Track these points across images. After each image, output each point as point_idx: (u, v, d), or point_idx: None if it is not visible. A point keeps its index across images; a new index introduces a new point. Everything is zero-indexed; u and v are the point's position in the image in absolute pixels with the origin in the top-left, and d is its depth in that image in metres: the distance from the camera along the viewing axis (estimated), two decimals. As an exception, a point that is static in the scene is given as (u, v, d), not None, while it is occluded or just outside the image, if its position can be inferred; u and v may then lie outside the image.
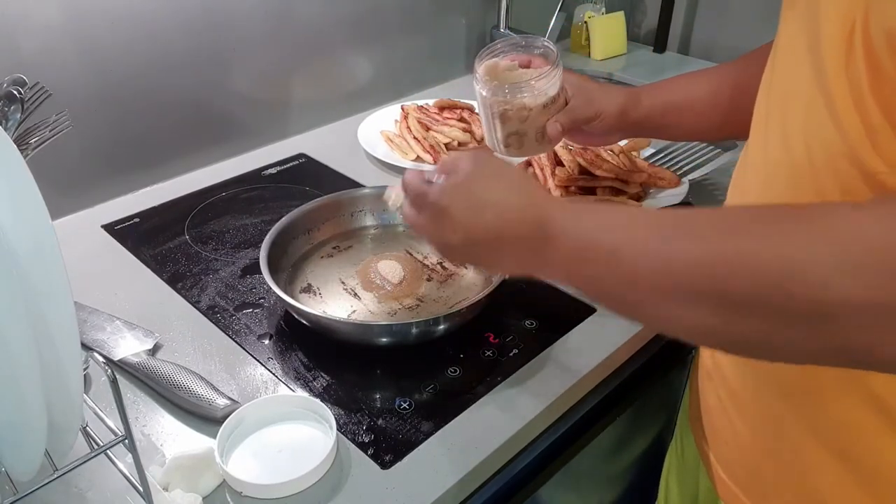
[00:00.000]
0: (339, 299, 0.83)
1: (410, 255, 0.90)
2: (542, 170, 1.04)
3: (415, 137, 1.15)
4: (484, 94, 0.85)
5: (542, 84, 0.82)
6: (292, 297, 0.77)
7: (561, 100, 0.85)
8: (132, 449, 0.54)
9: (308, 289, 0.85)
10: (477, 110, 1.24)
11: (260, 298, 0.86)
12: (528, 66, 0.87)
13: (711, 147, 1.11)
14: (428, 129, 1.17)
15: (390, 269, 0.86)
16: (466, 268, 0.83)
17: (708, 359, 0.66)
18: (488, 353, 0.77)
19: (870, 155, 0.43)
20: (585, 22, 1.55)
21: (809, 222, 0.41)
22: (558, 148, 1.04)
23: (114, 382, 0.50)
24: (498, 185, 0.57)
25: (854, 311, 0.38)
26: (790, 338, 0.41)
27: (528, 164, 1.07)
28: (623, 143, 1.09)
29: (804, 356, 0.42)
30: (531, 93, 0.82)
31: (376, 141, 1.18)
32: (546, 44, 0.87)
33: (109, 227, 0.99)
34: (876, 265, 0.37)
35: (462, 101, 1.26)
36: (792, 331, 0.40)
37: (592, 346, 0.78)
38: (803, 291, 0.39)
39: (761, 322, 0.41)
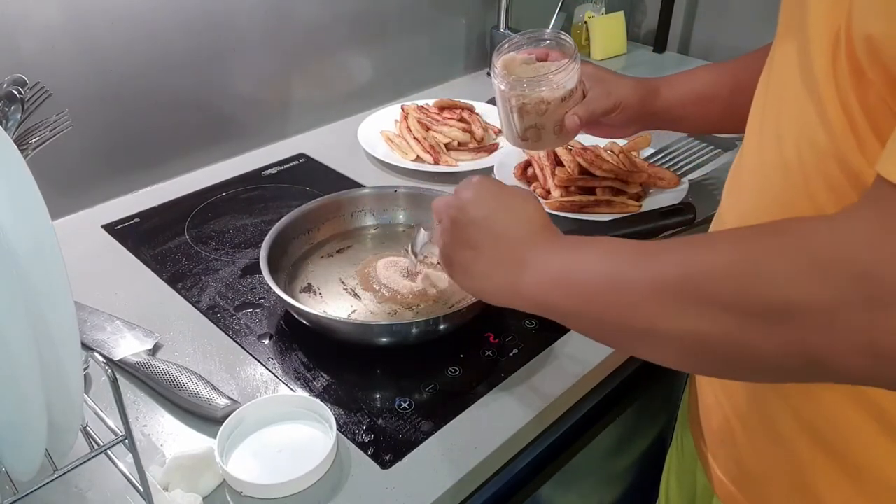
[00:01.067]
0: (339, 299, 0.83)
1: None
2: (542, 170, 1.04)
3: (415, 137, 1.15)
4: (502, 87, 0.85)
5: (561, 77, 0.83)
6: (292, 297, 0.77)
7: (579, 92, 0.85)
8: (132, 449, 0.54)
9: (308, 289, 0.85)
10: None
11: (260, 298, 0.86)
12: (545, 60, 0.87)
13: (711, 147, 1.11)
14: (428, 129, 1.17)
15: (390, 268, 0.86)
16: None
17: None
18: (488, 353, 0.77)
19: (856, 157, 0.44)
20: (585, 22, 1.55)
21: (772, 233, 0.43)
22: (558, 148, 1.04)
23: (114, 382, 0.50)
24: (520, 196, 0.62)
25: (806, 310, 0.39)
26: (755, 340, 0.42)
27: (528, 164, 1.07)
28: (623, 142, 1.09)
29: (773, 366, 0.43)
30: (549, 86, 0.83)
31: (376, 141, 1.18)
32: (563, 37, 0.87)
33: (109, 227, 0.99)
34: (825, 269, 0.39)
35: (462, 101, 1.26)
36: (755, 331, 0.42)
37: (593, 346, 0.78)
38: (760, 291, 0.41)
39: (726, 323, 0.43)
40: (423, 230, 0.78)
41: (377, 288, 0.84)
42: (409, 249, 0.82)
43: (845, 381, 0.41)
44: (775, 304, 0.41)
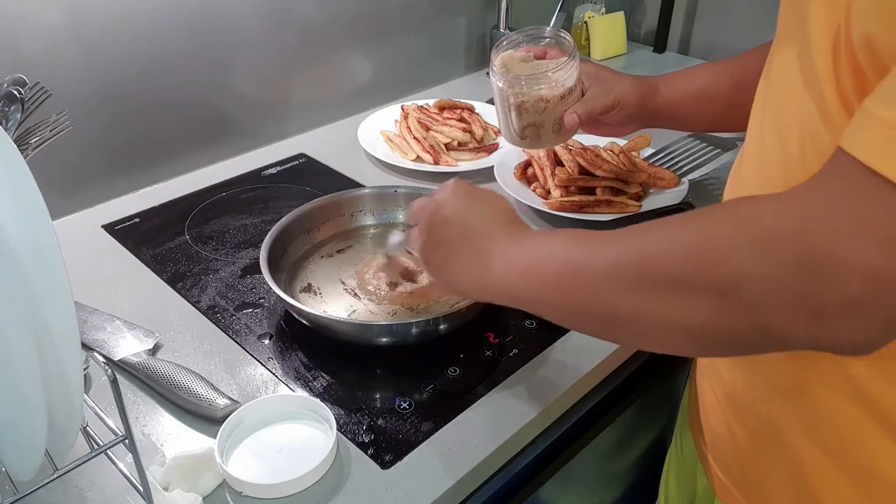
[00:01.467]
0: (339, 299, 0.83)
1: (410, 254, 0.90)
2: (542, 170, 1.04)
3: (415, 137, 1.15)
4: (500, 85, 0.85)
5: (560, 75, 0.82)
6: (292, 296, 0.77)
7: (578, 90, 0.85)
8: (132, 449, 0.54)
9: (308, 289, 0.85)
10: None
11: (260, 298, 0.86)
12: (543, 57, 0.87)
13: (711, 147, 1.11)
14: (428, 129, 1.17)
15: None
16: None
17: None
18: (488, 353, 0.77)
19: None
20: (585, 22, 1.55)
21: (721, 213, 0.45)
22: (558, 148, 1.04)
23: (114, 382, 0.50)
24: (488, 197, 0.64)
25: (753, 287, 0.41)
26: (711, 318, 0.44)
27: (528, 163, 1.07)
28: (623, 142, 1.09)
29: (731, 341, 0.45)
30: (548, 84, 0.82)
31: (376, 141, 1.18)
32: (562, 35, 0.87)
33: (109, 227, 0.99)
34: (770, 246, 0.41)
35: (462, 101, 1.26)
36: (709, 309, 0.43)
37: (592, 346, 0.78)
38: (710, 270, 0.43)
39: (682, 303, 0.44)
40: (396, 233, 0.80)
41: (377, 288, 0.84)
42: (385, 251, 0.83)
43: (799, 350, 0.43)
44: (725, 281, 0.42)
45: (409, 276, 0.85)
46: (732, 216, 0.44)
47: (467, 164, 1.13)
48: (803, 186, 0.42)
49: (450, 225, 0.61)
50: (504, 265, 0.56)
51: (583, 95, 0.85)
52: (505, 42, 0.88)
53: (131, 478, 0.59)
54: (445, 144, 1.15)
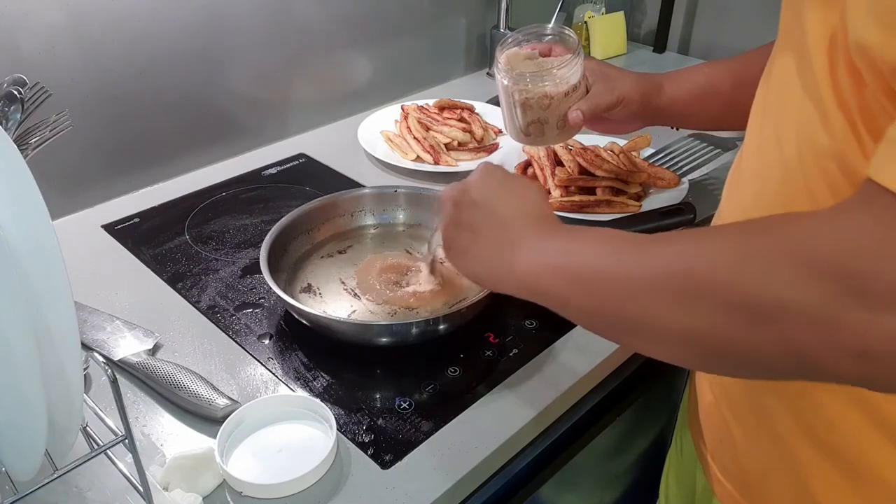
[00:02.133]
0: (339, 299, 0.83)
1: (410, 254, 0.90)
2: (542, 170, 1.04)
3: (415, 137, 1.15)
4: (505, 82, 0.85)
5: (564, 72, 0.83)
6: (292, 297, 0.77)
7: (582, 87, 0.85)
8: (132, 449, 0.54)
9: (308, 289, 0.85)
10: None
11: (260, 298, 0.86)
12: (548, 55, 0.87)
13: (711, 147, 1.11)
14: (428, 129, 1.17)
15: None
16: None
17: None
18: (488, 353, 0.77)
19: (856, 156, 0.44)
20: (585, 22, 1.55)
21: (767, 231, 0.43)
22: (558, 148, 1.04)
23: (114, 382, 0.50)
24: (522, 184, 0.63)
25: (796, 311, 0.39)
26: (748, 338, 0.42)
27: (528, 163, 1.07)
28: (623, 142, 1.09)
29: (765, 364, 0.43)
30: (553, 81, 0.83)
31: (376, 141, 1.18)
32: (567, 32, 0.87)
33: (109, 227, 0.99)
34: (816, 270, 0.39)
35: (462, 101, 1.26)
36: (748, 328, 0.42)
37: (593, 346, 0.78)
38: (754, 290, 0.41)
39: (721, 319, 0.43)
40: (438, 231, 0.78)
41: (377, 288, 0.84)
42: (427, 247, 0.83)
43: (836, 382, 0.41)
44: (767, 303, 0.41)
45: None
46: (780, 239, 0.42)
47: (467, 164, 1.13)
48: (843, 213, 0.40)
49: (478, 208, 0.60)
50: (536, 257, 0.54)
51: (587, 92, 0.86)
52: (510, 39, 0.88)
53: (131, 478, 0.59)
54: (445, 144, 1.15)
